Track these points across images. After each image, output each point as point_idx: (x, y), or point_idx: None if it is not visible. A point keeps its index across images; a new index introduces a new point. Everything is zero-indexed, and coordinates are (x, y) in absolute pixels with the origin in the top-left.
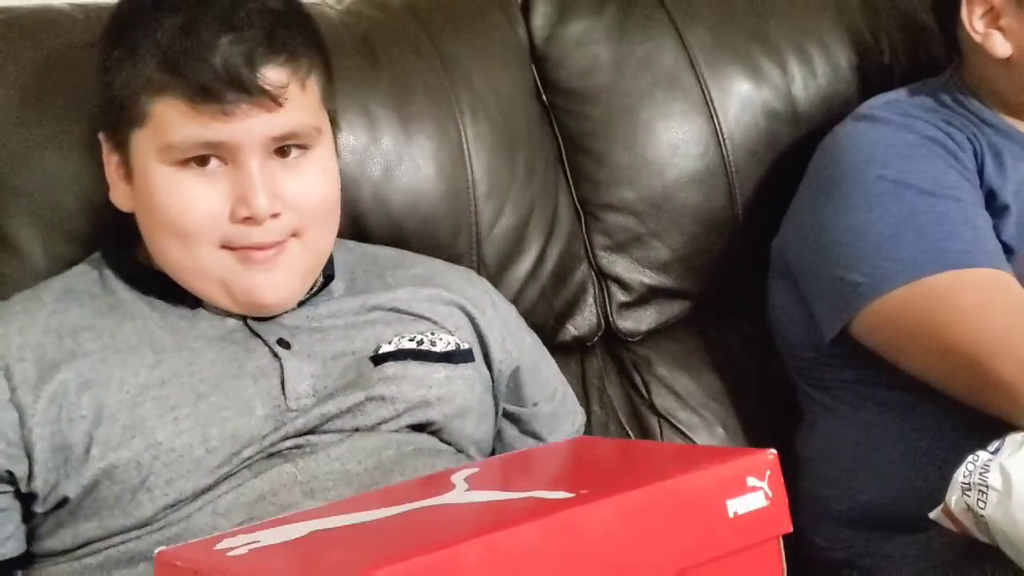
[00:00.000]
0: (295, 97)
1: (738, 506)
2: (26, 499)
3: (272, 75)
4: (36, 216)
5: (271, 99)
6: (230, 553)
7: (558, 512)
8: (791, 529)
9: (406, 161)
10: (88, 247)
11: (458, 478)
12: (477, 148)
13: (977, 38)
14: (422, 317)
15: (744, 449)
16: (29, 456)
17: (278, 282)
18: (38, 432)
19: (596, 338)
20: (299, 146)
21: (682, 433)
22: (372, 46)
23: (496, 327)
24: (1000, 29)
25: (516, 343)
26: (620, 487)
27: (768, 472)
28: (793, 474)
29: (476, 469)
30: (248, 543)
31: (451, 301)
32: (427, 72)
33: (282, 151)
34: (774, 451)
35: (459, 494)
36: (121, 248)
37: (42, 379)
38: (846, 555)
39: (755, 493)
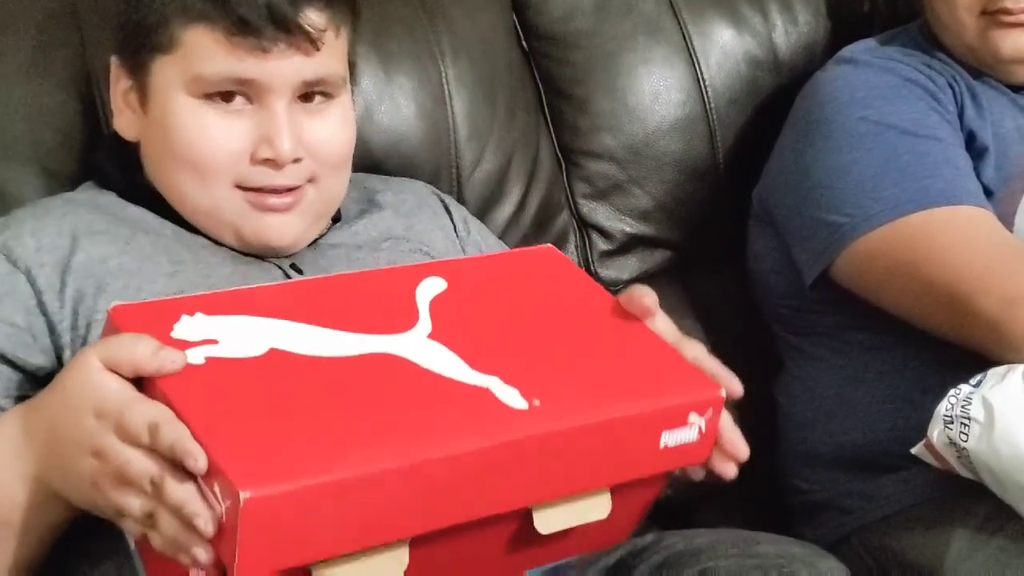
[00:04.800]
0: (330, 43)
1: (670, 439)
2: None
3: (314, 17)
4: (15, 152)
5: (310, 41)
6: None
7: (508, 432)
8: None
9: (386, 100)
10: (69, 184)
11: (423, 303)
12: (458, 89)
13: None
14: (411, 244)
15: (694, 379)
16: (59, 360)
17: (288, 227)
18: (65, 339)
19: None
20: (324, 94)
21: None
22: None
23: (471, 236)
24: None
25: (488, 246)
26: (574, 406)
27: (711, 410)
28: (773, 421)
29: (443, 287)
30: (206, 337)
31: (435, 225)
32: (407, 11)
33: (306, 96)
34: (722, 390)
35: (418, 340)
36: (124, 172)
37: (64, 284)
38: (828, 496)
39: (690, 428)
